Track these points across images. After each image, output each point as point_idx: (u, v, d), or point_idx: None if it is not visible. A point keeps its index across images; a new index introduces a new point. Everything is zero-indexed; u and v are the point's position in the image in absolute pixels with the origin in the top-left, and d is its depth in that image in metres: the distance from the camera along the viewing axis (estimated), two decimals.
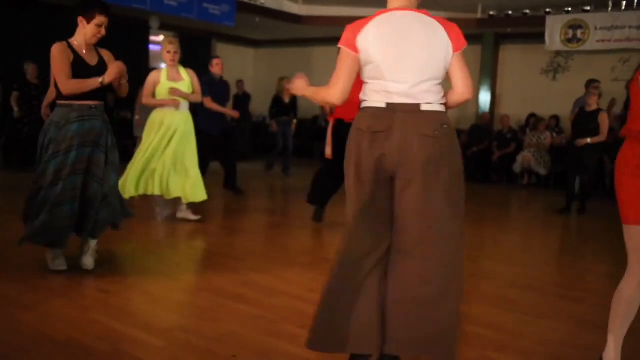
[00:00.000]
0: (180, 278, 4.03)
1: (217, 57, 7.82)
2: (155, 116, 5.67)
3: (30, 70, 9.02)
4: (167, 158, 5.54)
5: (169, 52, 5.55)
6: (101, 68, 3.89)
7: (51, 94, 4.08)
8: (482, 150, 10.90)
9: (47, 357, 2.70)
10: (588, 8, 9.92)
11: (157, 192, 5.56)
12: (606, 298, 4.14)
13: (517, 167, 10.53)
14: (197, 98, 5.87)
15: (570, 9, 10.04)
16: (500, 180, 10.89)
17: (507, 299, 3.92)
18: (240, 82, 11.80)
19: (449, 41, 2.41)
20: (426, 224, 2.40)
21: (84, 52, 3.89)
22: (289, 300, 3.72)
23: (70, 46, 3.84)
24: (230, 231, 5.99)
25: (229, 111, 7.49)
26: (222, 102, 7.42)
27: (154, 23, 10.86)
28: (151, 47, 12.25)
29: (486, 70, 11.85)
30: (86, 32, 3.80)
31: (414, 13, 2.45)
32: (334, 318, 2.47)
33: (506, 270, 4.77)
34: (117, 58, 4.02)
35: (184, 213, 5.87)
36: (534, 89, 11.47)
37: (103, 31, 3.85)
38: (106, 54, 4.04)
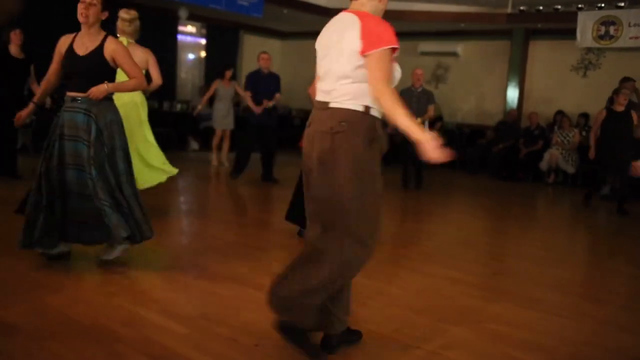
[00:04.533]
0: (205, 267, 4.07)
1: (264, 52, 8.19)
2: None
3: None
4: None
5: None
6: None
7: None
8: (508, 147, 10.79)
9: (73, 340, 2.76)
10: (622, 4, 9.70)
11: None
12: (631, 300, 4.10)
13: (543, 165, 10.40)
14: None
15: (603, 4, 9.84)
16: (527, 177, 10.78)
17: (531, 298, 3.89)
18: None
19: (358, 42, 2.43)
20: (322, 208, 2.56)
21: None
22: None
23: None
24: (256, 222, 6.03)
25: (253, 107, 7.84)
26: (269, 95, 7.87)
27: (183, 13, 11.00)
28: (179, 37, 12.36)
29: (515, 66, 11.68)
30: None
31: (343, 14, 2.58)
32: None
33: (531, 268, 4.72)
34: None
35: None
36: (563, 86, 11.30)
37: None
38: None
